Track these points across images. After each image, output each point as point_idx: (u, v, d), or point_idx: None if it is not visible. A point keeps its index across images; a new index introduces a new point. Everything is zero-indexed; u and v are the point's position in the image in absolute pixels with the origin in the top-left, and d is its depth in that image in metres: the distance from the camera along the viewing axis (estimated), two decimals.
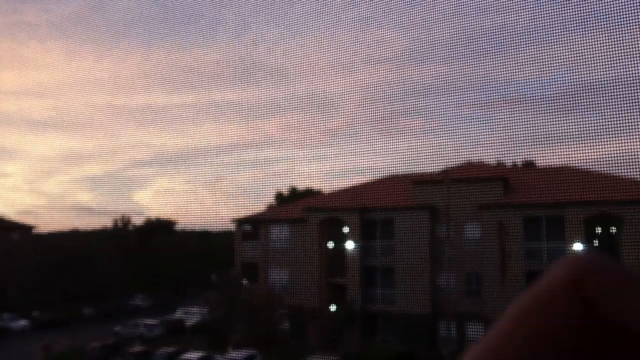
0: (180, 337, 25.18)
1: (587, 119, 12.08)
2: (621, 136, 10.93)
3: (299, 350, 21.12)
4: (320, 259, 23.28)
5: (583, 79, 12.27)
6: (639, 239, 14.89)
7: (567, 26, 12.32)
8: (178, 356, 22.23)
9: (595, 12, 11.23)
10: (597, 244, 19.72)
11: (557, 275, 0.37)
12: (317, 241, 23.26)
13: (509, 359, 0.35)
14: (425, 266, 21.53)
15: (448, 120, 18.81)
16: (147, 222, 36.17)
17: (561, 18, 12.56)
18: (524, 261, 19.91)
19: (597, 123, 11.70)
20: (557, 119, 14.48)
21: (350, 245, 23.68)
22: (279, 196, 30.90)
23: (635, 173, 11.18)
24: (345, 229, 23.79)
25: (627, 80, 10.50)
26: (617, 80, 10.94)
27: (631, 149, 11.22)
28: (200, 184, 23.41)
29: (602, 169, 12.82)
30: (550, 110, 15.44)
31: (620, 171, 11.75)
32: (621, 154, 11.44)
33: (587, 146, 12.19)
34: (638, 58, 10.15)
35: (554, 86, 17.33)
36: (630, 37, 10.29)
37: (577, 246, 18.13)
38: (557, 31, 13.01)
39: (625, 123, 10.73)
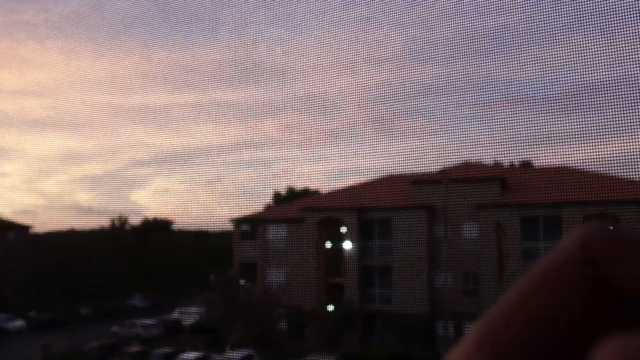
0: (178, 337, 25.19)
1: (584, 119, 12.12)
2: (619, 136, 10.98)
3: (297, 350, 21.14)
4: (318, 258, 23.30)
5: (581, 79, 12.31)
6: None
7: (566, 26, 12.36)
8: (175, 356, 22.22)
9: (595, 12, 11.27)
10: None
11: (567, 244, 0.35)
12: (315, 241, 23.28)
13: (508, 339, 0.34)
14: (423, 266, 21.57)
15: (445, 121, 18.84)
16: (145, 221, 36.17)
17: (561, 18, 12.61)
18: (521, 261, 19.96)
19: (594, 123, 11.74)
20: (554, 119, 14.53)
21: (348, 245, 23.71)
22: (277, 196, 30.92)
23: (632, 173, 11.23)
24: (343, 229, 23.82)
25: (625, 80, 10.55)
26: (615, 81, 10.98)
27: (628, 149, 11.27)
28: (199, 184, 23.41)
29: (600, 169, 12.86)
30: (548, 111, 15.49)
31: (617, 171, 11.79)
32: (618, 154, 11.49)
33: (585, 146, 12.23)
34: (632, 58, 10.20)
35: (552, 87, 17.38)
36: (627, 36, 10.34)
37: None
38: (556, 31, 13.06)
39: (623, 123, 10.78)
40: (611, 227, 0.35)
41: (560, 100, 14.28)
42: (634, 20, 10.23)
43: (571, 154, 12.84)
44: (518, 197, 20.85)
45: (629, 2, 10.13)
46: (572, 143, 12.35)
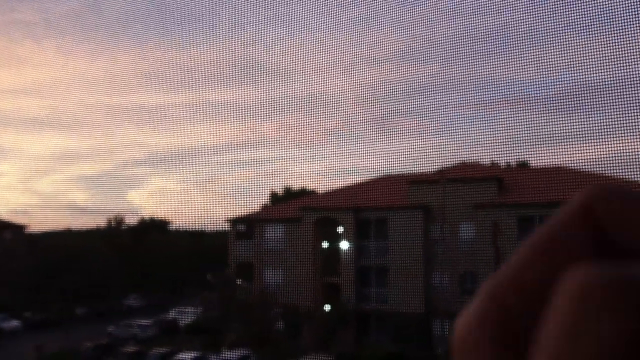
0: (174, 338, 25.12)
1: (582, 119, 12.10)
2: (616, 136, 10.96)
3: (293, 350, 21.10)
4: (314, 258, 23.26)
5: (580, 79, 12.29)
6: None
7: (566, 26, 12.33)
8: (172, 356, 22.16)
9: (595, 12, 11.25)
10: None
11: (571, 203, 0.36)
12: (311, 240, 23.25)
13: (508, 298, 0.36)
14: (420, 265, 21.55)
15: (443, 121, 18.81)
16: (141, 221, 36.06)
17: (561, 18, 12.58)
18: None
19: (592, 123, 11.73)
20: (552, 120, 14.50)
21: (344, 244, 23.69)
22: (274, 196, 30.86)
23: (628, 173, 11.21)
24: (340, 229, 23.80)
25: (625, 81, 10.53)
26: (614, 81, 10.96)
27: (625, 149, 11.25)
28: (195, 183, 23.33)
29: (596, 169, 12.84)
30: (546, 111, 15.47)
31: (613, 171, 11.77)
32: (615, 154, 11.48)
33: (582, 146, 12.21)
34: (632, 58, 10.17)
35: (550, 87, 17.36)
36: (627, 36, 10.31)
37: None
38: (555, 31, 13.02)
39: (620, 123, 10.76)
40: (613, 185, 0.36)
41: (558, 101, 14.27)
42: (634, 20, 10.20)
43: (568, 154, 12.83)
44: (515, 197, 20.86)
45: (629, 2, 10.10)
46: (569, 143, 12.34)
